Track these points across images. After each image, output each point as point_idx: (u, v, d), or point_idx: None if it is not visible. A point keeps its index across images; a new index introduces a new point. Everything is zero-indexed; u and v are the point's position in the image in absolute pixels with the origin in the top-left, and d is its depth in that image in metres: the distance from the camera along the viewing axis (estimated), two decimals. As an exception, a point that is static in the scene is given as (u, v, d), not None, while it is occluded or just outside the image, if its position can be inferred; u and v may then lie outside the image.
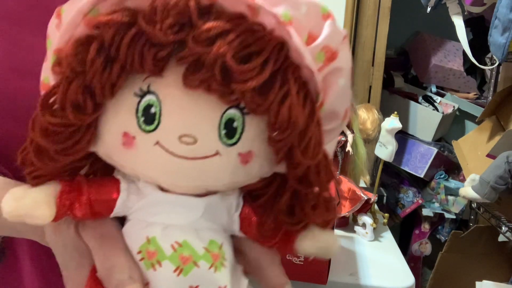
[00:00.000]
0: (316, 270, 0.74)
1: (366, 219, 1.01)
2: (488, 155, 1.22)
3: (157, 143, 0.24)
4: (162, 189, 0.27)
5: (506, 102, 1.33)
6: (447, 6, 1.30)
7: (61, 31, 0.24)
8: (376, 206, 1.14)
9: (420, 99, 1.75)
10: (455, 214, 1.70)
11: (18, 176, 0.36)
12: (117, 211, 0.27)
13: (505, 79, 1.40)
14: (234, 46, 0.22)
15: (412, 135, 1.69)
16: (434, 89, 1.83)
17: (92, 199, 0.27)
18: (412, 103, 1.69)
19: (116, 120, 0.25)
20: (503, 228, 1.26)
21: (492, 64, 1.35)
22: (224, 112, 0.24)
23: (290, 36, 0.23)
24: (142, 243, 0.26)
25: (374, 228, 1.02)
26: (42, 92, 0.27)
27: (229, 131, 0.25)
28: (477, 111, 1.63)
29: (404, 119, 1.58)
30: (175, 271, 0.26)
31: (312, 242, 0.28)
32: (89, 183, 0.27)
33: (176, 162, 0.25)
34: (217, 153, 0.25)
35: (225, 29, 0.22)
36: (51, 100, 0.25)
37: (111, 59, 0.23)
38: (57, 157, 0.26)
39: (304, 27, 0.25)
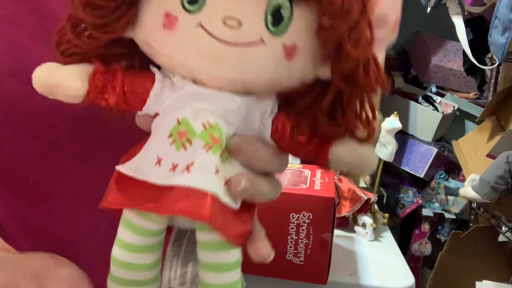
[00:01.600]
0: (316, 270, 0.74)
1: (366, 219, 1.01)
2: (488, 155, 1.22)
3: (200, 25, 0.23)
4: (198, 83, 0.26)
5: (506, 102, 1.33)
6: (447, 6, 1.30)
7: None
8: (376, 206, 1.13)
9: (420, 99, 1.75)
10: (455, 214, 1.70)
11: (12, 184, 0.36)
12: (149, 103, 0.27)
13: (505, 79, 1.40)
14: None
15: (412, 135, 1.69)
16: (434, 89, 1.83)
17: (126, 85, 0.26)
18: (412, 103, 1.69)
19: (158, 0, 0.24)
20: (503, 228, 1.25)
21: (492, 64, 1.35)
22: None
23: None
24: (173, 125, 0.26)
25: (374, 228, 1.02)
26: None
27: (276, 18, 0.23)
28: (477, 111, 1.63)
29: (404, 119, 1.58)
30: (204, 147, 0.25)
31: (348, 149, 0.26)
32: (124, 71, 0.27)
33: (218, 47, 0.24)
34: (261, 41, 0.24)
35: None
36: None
37: None
38: (94, 33, 0.25)
39: None
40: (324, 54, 0.25)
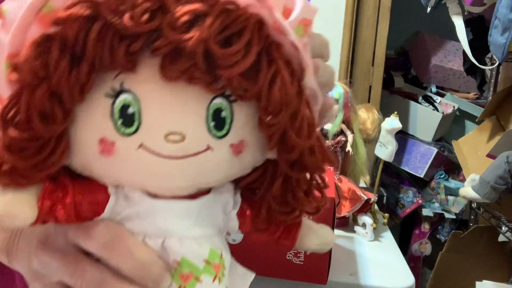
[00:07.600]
0: (316, 270, 0.74)
1: (366, 219, 1.01)
2: (488, 155, 1.21)
3: (141, 145, 0.22)
4: (150, 193, 0.25)
5: (506, 102, 1.33)
6: (447, 6, 1.30)
7: (11, 34, 0.22)
8: (376, 206, 1.13)
9: (420, 99, 1.75)
10: (455, 214, 1.70)
11: None
12: (105, 216, 0.25)
13: (505, 79, 1.40)
14: (214, 29, 0.21)
15: (412, 135, 1.69)
16: (434, 89, 1.83)
17: (77, 200, 0.24)
18: (412, 103, 1.69)
19: (89, 126, 0.23)
20: (503, 228, 1.26)
21: (492, 64, 1.35)
22: (210, 103, 0.23)
23: (271, 12, 0.22)
24: None
25: (374, 228, 1.02)
26: None
27: (218, 122, 0.23)
28: (477, 111, 1.63)
29: (404, 119, 1.58)
30: None
31: (312, 240, 0.29)
32: (74, 183, 0.24)
33: (165, 163, 0.23)
34: (208, 148, 0.23)
35: (201, 12, 0.21)
36: (11, 113, 0.22)
37: (77, 58, 0.21)
38: (29, 174, 0.22)
39: (278, 1, 0.23)
40: (271, 144, 0.24)
